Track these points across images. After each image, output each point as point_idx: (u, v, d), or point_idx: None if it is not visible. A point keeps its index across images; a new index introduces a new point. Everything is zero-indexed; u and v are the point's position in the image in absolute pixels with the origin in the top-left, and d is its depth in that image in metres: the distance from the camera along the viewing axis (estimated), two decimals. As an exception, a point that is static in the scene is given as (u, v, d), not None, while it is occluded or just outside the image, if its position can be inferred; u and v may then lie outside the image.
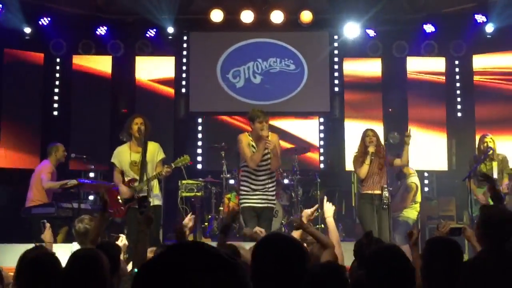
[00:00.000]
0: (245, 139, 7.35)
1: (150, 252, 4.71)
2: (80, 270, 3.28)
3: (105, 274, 3.35)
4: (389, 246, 3.51)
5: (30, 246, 4.88)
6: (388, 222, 7.35)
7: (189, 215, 5.32)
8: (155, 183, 7.39)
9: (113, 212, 7.52)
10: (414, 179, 9.08)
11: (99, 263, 3.32)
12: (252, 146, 7.34)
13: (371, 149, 7.54)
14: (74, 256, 3.41)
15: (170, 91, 11.63)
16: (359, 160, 7.71)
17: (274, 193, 7.51)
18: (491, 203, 8.21)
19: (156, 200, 7.33)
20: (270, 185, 7.42)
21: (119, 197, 7.42)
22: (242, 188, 7.48)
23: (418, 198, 9.13)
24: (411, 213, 8.98)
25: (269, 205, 7.40)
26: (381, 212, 7.43)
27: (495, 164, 8.46)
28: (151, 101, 11.41)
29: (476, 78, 11.28)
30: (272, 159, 7.30)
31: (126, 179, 7.41)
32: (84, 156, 9.16)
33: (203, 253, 1.36)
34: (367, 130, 7.82)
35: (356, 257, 3.80)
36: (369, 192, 7.58)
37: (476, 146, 8.95)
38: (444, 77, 11.56)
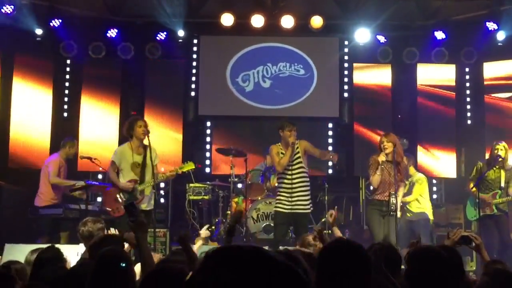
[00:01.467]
0: (275, 149, 7.82)
1: None
2: (109, 270, 3.26)
3: (132, 274, 3.34)
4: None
5: (36, 246, 4.90)
6: (396, 228, 7.30)
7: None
8: (149, 188, 7.51)
9: (111, 211, 7.54)
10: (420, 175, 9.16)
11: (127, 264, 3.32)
12: (282, 153, 7.74)
13: (381, 158, 7.47)
14: (101, 256, 3.39)
15: (180, 94, 11.66)
16: (372, 167, 7.63)
17: (307, 198, 7.73)
18: (495, 210, 8.31)
19: (151, 203, 7.51)
20: (303, 190, 7.68)
21: (118, 196, 7.48)
22: (277, 193, 7.90)
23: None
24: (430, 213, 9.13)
25: (303, 211, 7.66)
26: (389, 218, 7.38)
27: (503, 172, 8.44)
28: (161, 104, 11.44)
29: (486, 85, 11.23)
30: (319, 154, 7.89)
31: (123, 179, 7.53)
32: (93, 158, 9.19)
33: (263, 258, 1.31)
34: (382, 136, 7.75)
35: None
36: (379, 198, 7.52)
37: (489, 153, 8.90)
38: (454, 84, 11.51)
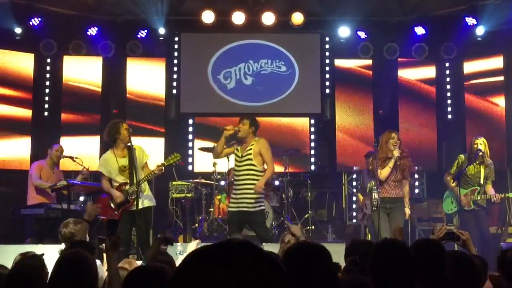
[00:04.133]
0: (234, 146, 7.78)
1: (124, 263, 4.65)
2: (67, 274, 3.22)
3: (92, 278, 3.29)
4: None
5: (20, 246, 4.86)
6: (378, 222, 7.34)
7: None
8: (145, 185, 7.50)
9: (106, 218, 7.52)
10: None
11: (87, 267, 3.27)
12: (236, 149, 7.69)
13: (396, 152, 7.46)
14: (61, 260, 3.35)
15: (161, 92, 11.62)
16: (380, 161, 7.49)
17: (252, 197, 7.46)
18: (472, 206, 8.42)
19: (146, 201, 7.45)
20: (248, 188, 7.48)
21: (111, 203, 7.48)
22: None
23: None
24: None
25: (248, 209, 7.47)
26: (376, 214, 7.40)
27: (483, 168, 8.51)
28: (142, 103, 11.40)
29: (466, 79, 11.34)
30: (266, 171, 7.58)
31: (115, 184, 7.55)
32: (74, 157, 9.13)
33: (250, 251, 1.31)
34: (391, 132, 7.65)
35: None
36: (383, 195, 7.45)
37: (468, 147, 8.98)
38: (434, 79, 11.60)
